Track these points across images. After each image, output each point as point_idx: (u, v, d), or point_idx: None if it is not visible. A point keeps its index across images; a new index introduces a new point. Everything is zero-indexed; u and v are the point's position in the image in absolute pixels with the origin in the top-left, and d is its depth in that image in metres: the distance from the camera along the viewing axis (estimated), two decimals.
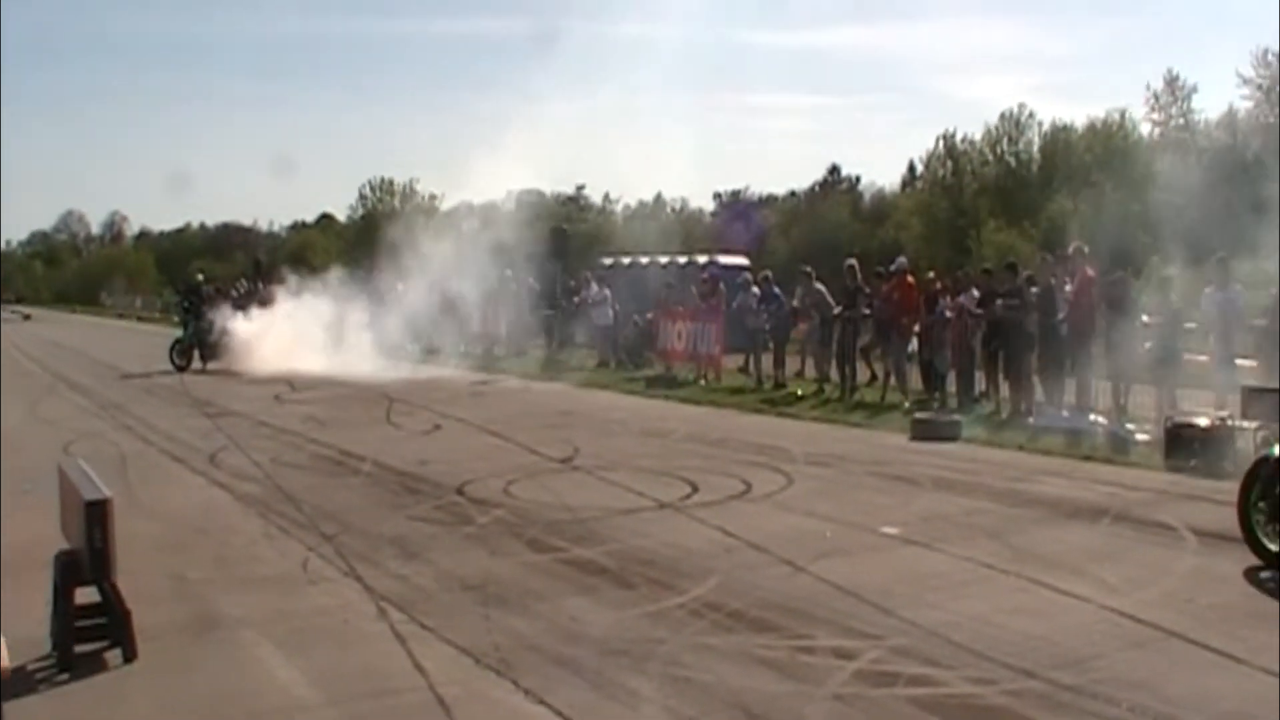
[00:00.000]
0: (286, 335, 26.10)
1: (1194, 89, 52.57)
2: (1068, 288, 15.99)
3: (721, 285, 23.87)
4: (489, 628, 7.08)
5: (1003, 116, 58.54)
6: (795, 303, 21.57)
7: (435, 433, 16.06)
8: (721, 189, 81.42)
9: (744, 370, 22.35)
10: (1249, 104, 47.26)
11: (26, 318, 61.36)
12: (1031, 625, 6.97)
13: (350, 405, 19.20)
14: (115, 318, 67.94)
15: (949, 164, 59.91)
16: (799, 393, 19.79)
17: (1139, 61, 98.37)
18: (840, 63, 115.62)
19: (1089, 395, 15.57)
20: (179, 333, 28.48)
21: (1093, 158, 52.57)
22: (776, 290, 22.13)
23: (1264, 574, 8.06)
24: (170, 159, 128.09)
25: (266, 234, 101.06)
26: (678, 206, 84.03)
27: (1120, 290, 15.77)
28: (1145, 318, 15.40)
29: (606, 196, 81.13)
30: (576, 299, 27.66)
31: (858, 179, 76.14)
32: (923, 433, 14.92)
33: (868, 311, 19.54)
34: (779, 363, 21.52)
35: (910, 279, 19.30)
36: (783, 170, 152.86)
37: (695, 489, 11.43)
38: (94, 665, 6.47)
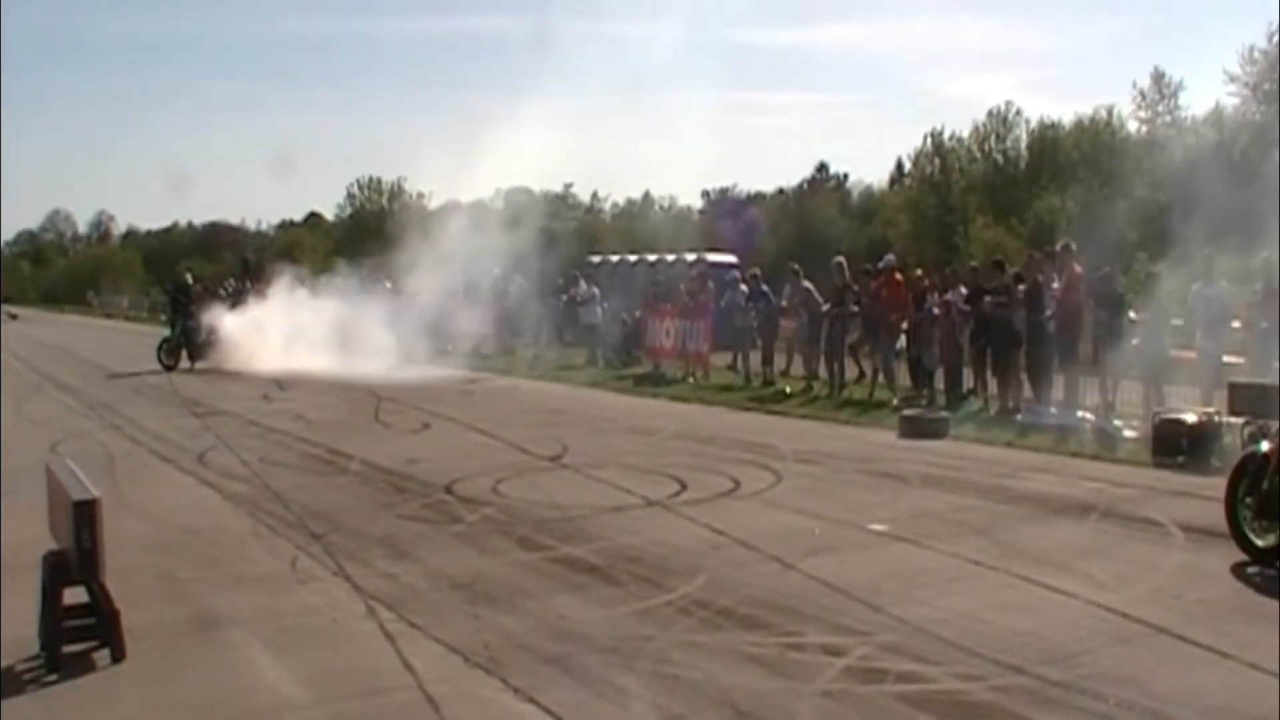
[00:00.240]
0: (275, 334, 26.06)
1: (1181, 86, 52.77)
2: (1055, 284, 16.02)
3: (710, 283, 23.92)
4: (478, 626, 7.08)
5: (990, 114, 58.76)
6: (784, 301, 21.59)
7: (424, 431, 16.05)
8: (710, 187, 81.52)
9: (732, 368, 22.37)
10: (1236, 101, 47.41)
11: (14, 317, 61.00)
12: (1019, 621, 6.99)
13: (339, 404, 19.17)
14: (103, 317, 67.71)
15: (937, 161, 60.02)
16: (787, 390, 19.82)
17: (1126, 59, 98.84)
18: (829, 60, 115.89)
19: (1076, 392, 15.60)
20: (167, 332, 28.41)
21: (1080, 155, 52.72)
22: (765, 288, 22.15)
23: (1251, 569, 8.10)
24: (158, 158, 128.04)
25: (254, 233, 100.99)
26: (666, 204, 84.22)
27: (1108, 287, 15.82)
28: (1133, 314, 15.45)
29: (595, 195, 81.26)
30: (565, 297, 27.65)
31: (846, 176, 76.40)
32: (911, 430, 14.95)
33: (856, 309, 19.57)
34: (767, 360, 21.55)
35: (898, 276, 19.35)
36: (771, 168, 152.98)
37: (684, 487, 11.44)
38: (82, 665, 6.45)
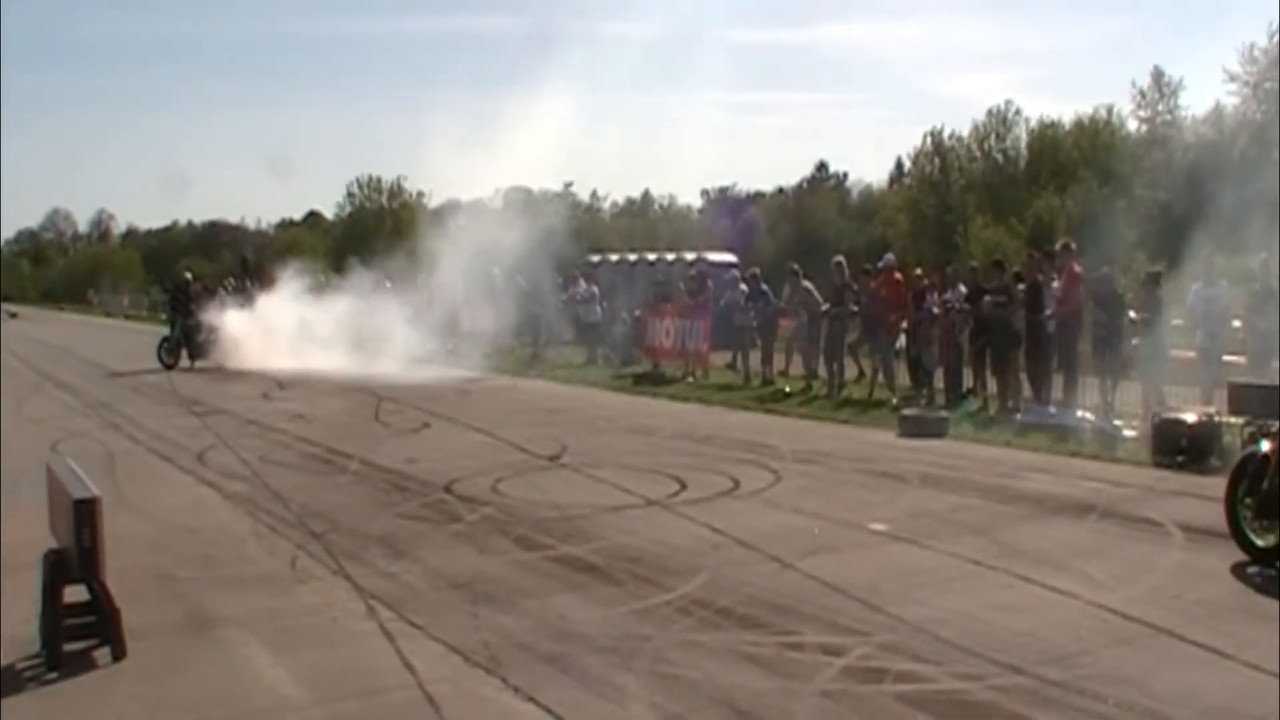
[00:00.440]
0: (274, 334, 26.05)
1: (1181, 85, 52.71)
2: (1055, 284, 16.02)
3: (709, 282, 23.90)
4: (477, 625, 7.08)
5: (990, 113, 58.60)
6: (783, 300, 21.59)
7: (423, 430, 16.04)
8: (709, 186, 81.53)
9: (732, 367, 22.37)
10: (1235, 100, 47.33)
11: (13, 316, 60.98)
12: (1018, 621, 6.99)
13: (338, 403, 19.17)
14: (103, 316, 67.69)
15: (936, 161, 59.90)
16: (787, 390, 19.82)
17: (1126, 58, 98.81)
18: (828, 60, 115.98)
19: (1076, 391, 15.60)
20: (166, 331, 28.41)
21: (1079, 154, 52.62)
22: (764, 287, 22.16)
23: (1251, 569, 8.11)
24: (157, 158, 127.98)
25: (254, 232, 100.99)
26: (665, 204, 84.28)
27: (1107, 286, 15.82)
28: (1132, 314, 15.45)
29: (594, 194, 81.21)
30: (564, 296, 27.64)
31: (845, 176, 76.38)
32: (910, 429, 14.95)
33: (855, 308, 19.57)
34: (767, 360, 21.55)
35: (898, 275, 19.36)
36: (771, 167, 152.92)
37: (683, 486, 11.44)
38: (83, 664, 6.46)
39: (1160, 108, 53.10)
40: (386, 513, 10.49)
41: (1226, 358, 14.31)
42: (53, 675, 6.34)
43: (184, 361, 26.58)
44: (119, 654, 6.52)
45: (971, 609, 7.23)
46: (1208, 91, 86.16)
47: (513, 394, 20.85)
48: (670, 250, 34.87)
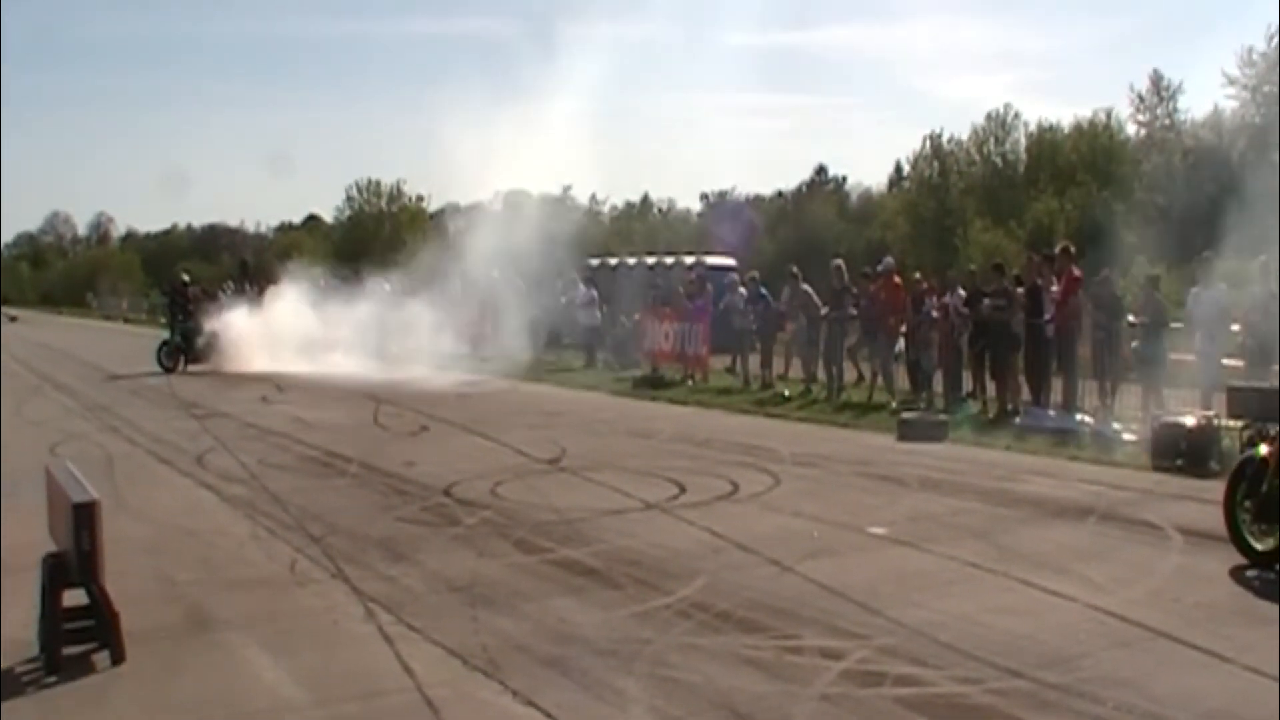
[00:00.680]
0: (273, 337, 26.04)
1: (1180, 89, 52.70)
2: (1054, 287, 16.02)
3: (708, 285, 23.89)
4: (477, 628, 7.08)
5: (989, 117, 58.56)
6: (782, 303, 21.58)
7: (422, 434, 16.04)
8: (708, 189, 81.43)
9: (731, 371, 22.37)
10: (1234, 104, 47.30)
11: (13, 319, 60.96)
12: (1018, 624, 6.99)
13: (337, 406, 19.16)
14: (102, 319, 67.69)
15: (935, 164, 59.87)
16: (786, 393, 19.81)
17: (1124, 61, 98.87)
18: (827, 63, 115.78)
19: (1075, 395, 15.60)
20: (166, 334, 28.39)
21: (1079, 158, 52.58)
22: (763, 290, 22.18)
23: (1249, 573, 8.11)
24: (157, 160, 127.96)
25: (253, 235, 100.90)
26: (665, 207, 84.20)
27: (1106, 290, 15.83)
28: (1131, 317, 15.46)
29: (593, 197, 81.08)
30: (564, 300, 27.62)
31: (844, 179, 76.27)
32: (909, 433, 14.95)
33: (854, 312, 19.58)
34: (766, 363, 21.55)
35: (897, 279, 19.36)
36: (770, 170, 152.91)
37: (682, 489, 11.44)
38: (82, 667, 6.46)
39: (1159, 111, 53.11)
40: (386, 516, 10.49)
41: (1226, 361, 14.31)
42: (52, 679, 6.34)
43: (183, 365, 26.55)
44: (118, 657, 6.52)
45: (971, 612, 7.23)
46: (1206, 95, 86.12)
47: (512, 397, 20.84)
48: (669, 254, 34.82)
